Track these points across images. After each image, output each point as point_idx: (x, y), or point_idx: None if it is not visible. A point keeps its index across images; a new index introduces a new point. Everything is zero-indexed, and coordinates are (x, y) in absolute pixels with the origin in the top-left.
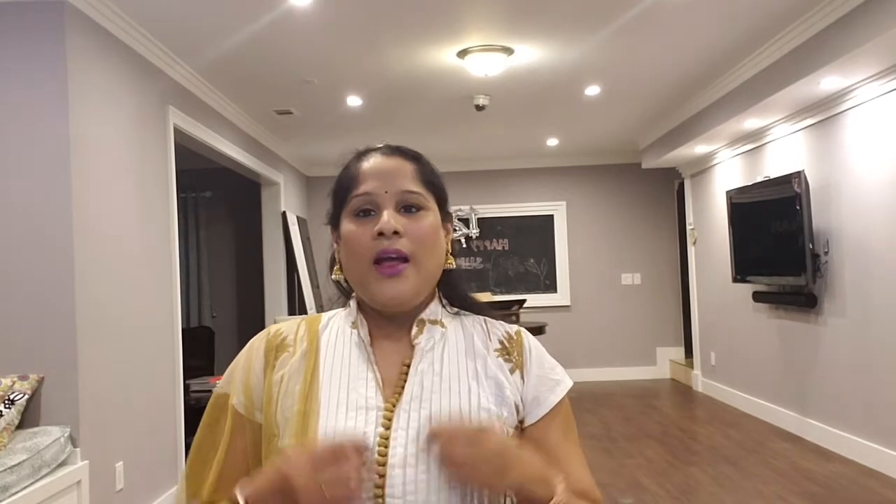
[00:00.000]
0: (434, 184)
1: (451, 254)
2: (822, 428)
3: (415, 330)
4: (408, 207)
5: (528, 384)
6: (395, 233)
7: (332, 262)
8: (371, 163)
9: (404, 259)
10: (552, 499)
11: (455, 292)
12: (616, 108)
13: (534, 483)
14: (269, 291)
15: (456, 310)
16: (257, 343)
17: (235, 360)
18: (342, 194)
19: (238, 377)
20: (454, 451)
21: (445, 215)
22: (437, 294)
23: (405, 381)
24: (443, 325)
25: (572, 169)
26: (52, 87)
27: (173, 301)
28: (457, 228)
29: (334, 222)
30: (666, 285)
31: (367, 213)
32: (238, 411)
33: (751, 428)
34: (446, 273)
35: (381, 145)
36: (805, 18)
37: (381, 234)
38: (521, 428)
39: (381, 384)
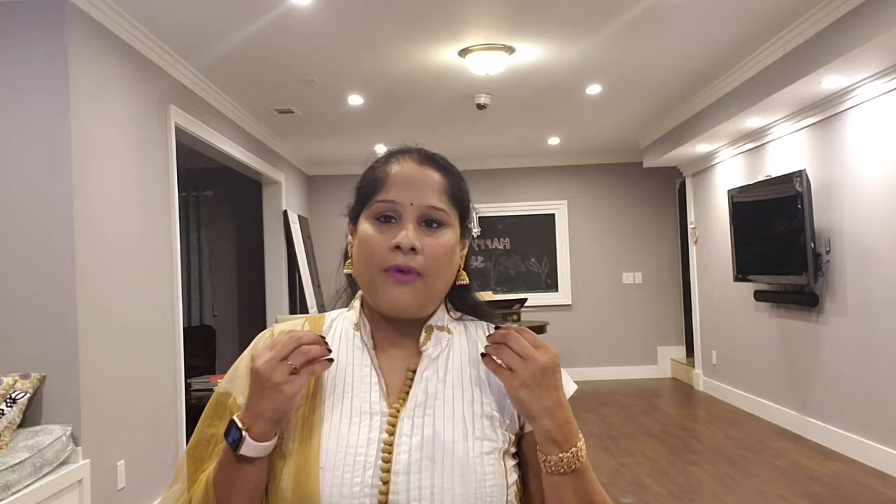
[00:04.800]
0: (459, 199)
1: (464, 269)
2: (824, 427)
3: (423, 336)
4: (429, 222)
5: None
6: (413, 249)
7: (346, 254)
8: (401, 168)
9: (417, 273)
10: (570, 450)
11: (463, 303)
12: (617, 107)
13: (553, 421)
14: (270, 290)
15: (459, 314)
16: (261, 343)
17: (239, 359)
18: (366, 193)
19: (242, 376)
20: (507, 348)
21: (465, 230)
22: (444, 302)
23: (409, 387)
24: (449, 332)
25: (573, 168)
26: (53, 85)
27: (174, 300)
28: (475, 234)
29: (354, 216)
30: (667, 284)
31: (388, 219)
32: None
33: (752, 427)
34: (458, 287)
35: (414, 148)
36: (806, 17)
37: (398, 247)
38: (521, 434)
39: (384, 390)
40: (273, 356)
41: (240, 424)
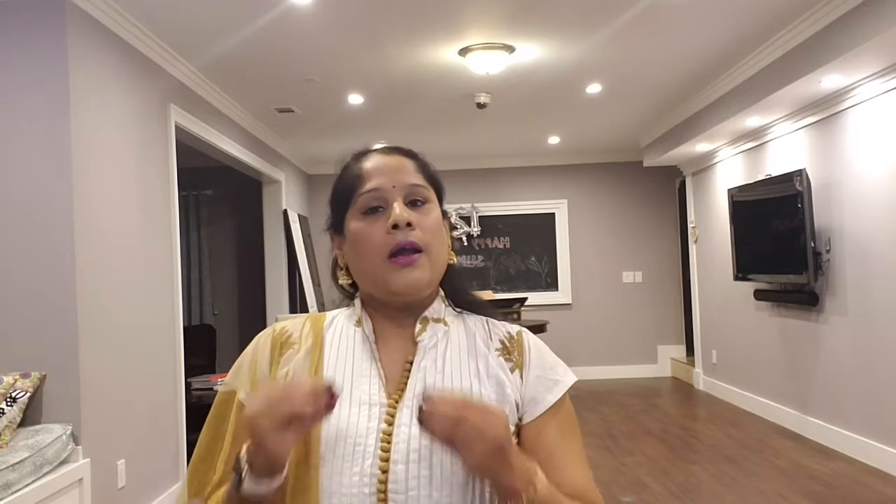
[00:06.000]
0: (433, 178)
1: (451, 248)
2: (824, 426)
3: (418, 327)
4: (414, 201)
5: (527, 383)
6: (409, 224)
7: (335, 267)
8: (373, 161)
9: (417, 250)
10: (528, 489)
11: (455, 287)
12: (617, 106)
13: (513, 475)
14: (270, 289)
15: (459, 310)
16: (263, 339)
17: (241, 356)
18: (346, 195)
19: (245, 372)
20: (459, 426)
21: (443, 211)
22: (439, 292)
23: (408, 378)
24: (446, 324)
25: (573, 167)
26: (53, 85)
27: (174, 299)
28: (457, 227)
29: (337, 227)
30: (667, 283)
31: (376, 210)
32: (245, 405)
33: (752, 426)
34: (448, 267)
35: (374, 147)
36: (806, 17)
37: (395, 226)
38: (519, 426)
39: (384, 381)
40: (260, 406)
41: (242, 464)
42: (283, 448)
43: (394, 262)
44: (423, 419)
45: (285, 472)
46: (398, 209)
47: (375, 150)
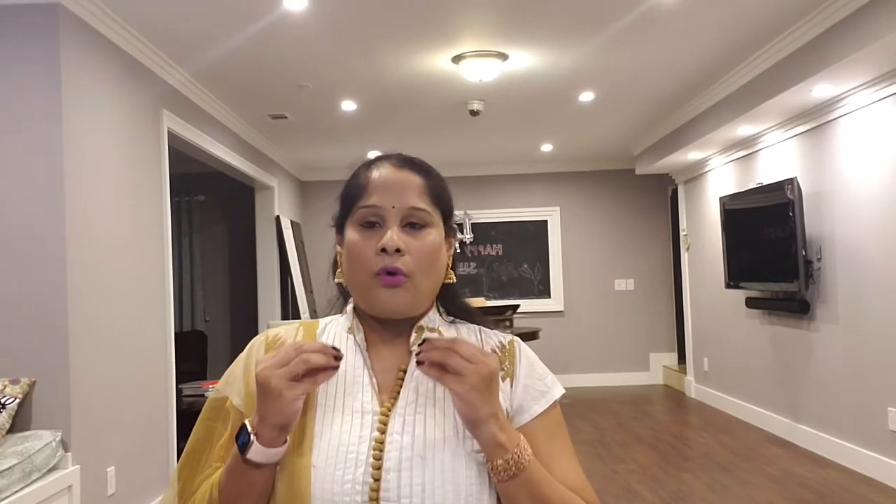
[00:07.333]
0: (441, 199)
1: (451, 268)
2: (815, 434)
3: (413, 336)
4: (413, 224)
5: (516, 392)
6: (398, 250)
7: (335, 264)
8: (381, 173)
9: (404, 275)
10: (514, 449)
11: (452, 304)
12: (610, 114)
13: (498, 423)
14: (262, 296)
15: (452, 318)
16: (256, 346)
17: (234, 363)
18: (349, 201)
19: (238, 378)
20: (455, 353)
21: (449, 230)
22: (435, 303)
23: (401, 387)
24: (439, 333)
25: (566, 175)
26: (46, 90)
27: (166, 305)
28: (461, 240)
29: (340, 225)
30: (659, 291)
31: (372, 225)
32: (239, 410)
33: (743, 434)
34: (445, 286)
35: (393, 154)
36: (797, 27)
37: (383, 250)
38: None
39: (377, 389)
40: (274, 362)
41: (250, 429)
42: (298, 400)
43: (379, 277)
44: (421, 356)
45: (286, 445)
46: (390, 233)
47: (389, 158)
